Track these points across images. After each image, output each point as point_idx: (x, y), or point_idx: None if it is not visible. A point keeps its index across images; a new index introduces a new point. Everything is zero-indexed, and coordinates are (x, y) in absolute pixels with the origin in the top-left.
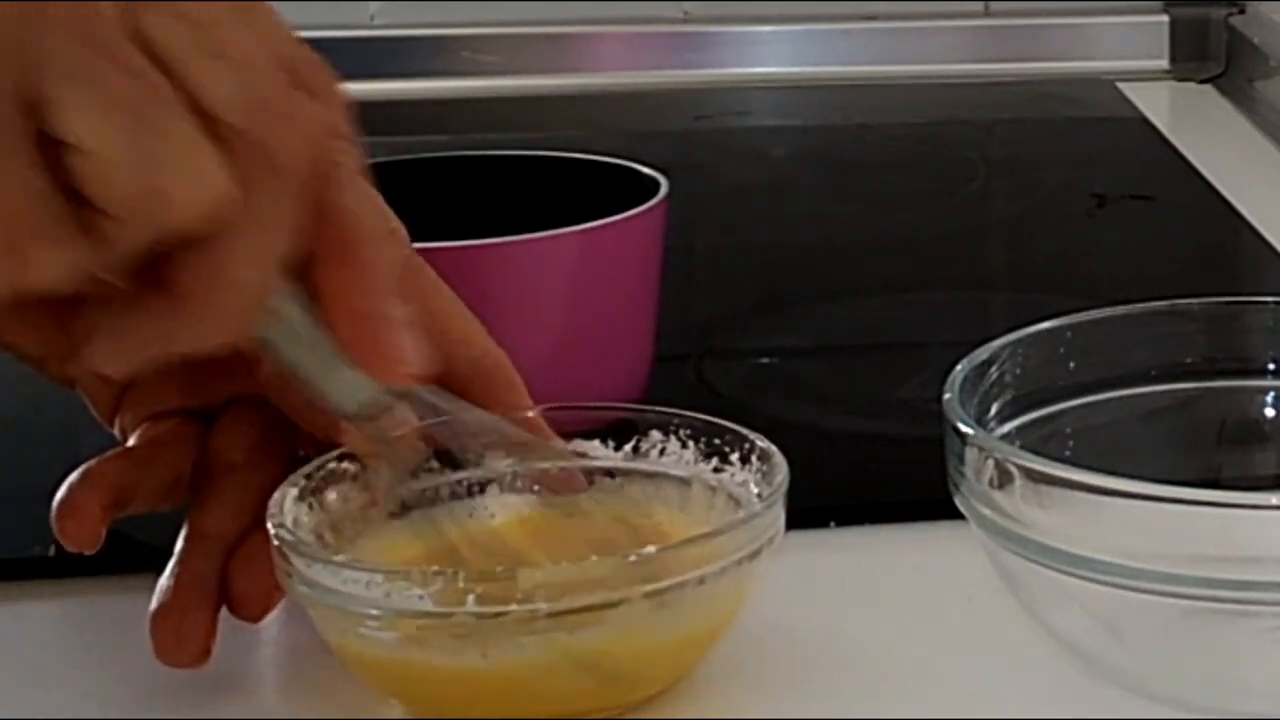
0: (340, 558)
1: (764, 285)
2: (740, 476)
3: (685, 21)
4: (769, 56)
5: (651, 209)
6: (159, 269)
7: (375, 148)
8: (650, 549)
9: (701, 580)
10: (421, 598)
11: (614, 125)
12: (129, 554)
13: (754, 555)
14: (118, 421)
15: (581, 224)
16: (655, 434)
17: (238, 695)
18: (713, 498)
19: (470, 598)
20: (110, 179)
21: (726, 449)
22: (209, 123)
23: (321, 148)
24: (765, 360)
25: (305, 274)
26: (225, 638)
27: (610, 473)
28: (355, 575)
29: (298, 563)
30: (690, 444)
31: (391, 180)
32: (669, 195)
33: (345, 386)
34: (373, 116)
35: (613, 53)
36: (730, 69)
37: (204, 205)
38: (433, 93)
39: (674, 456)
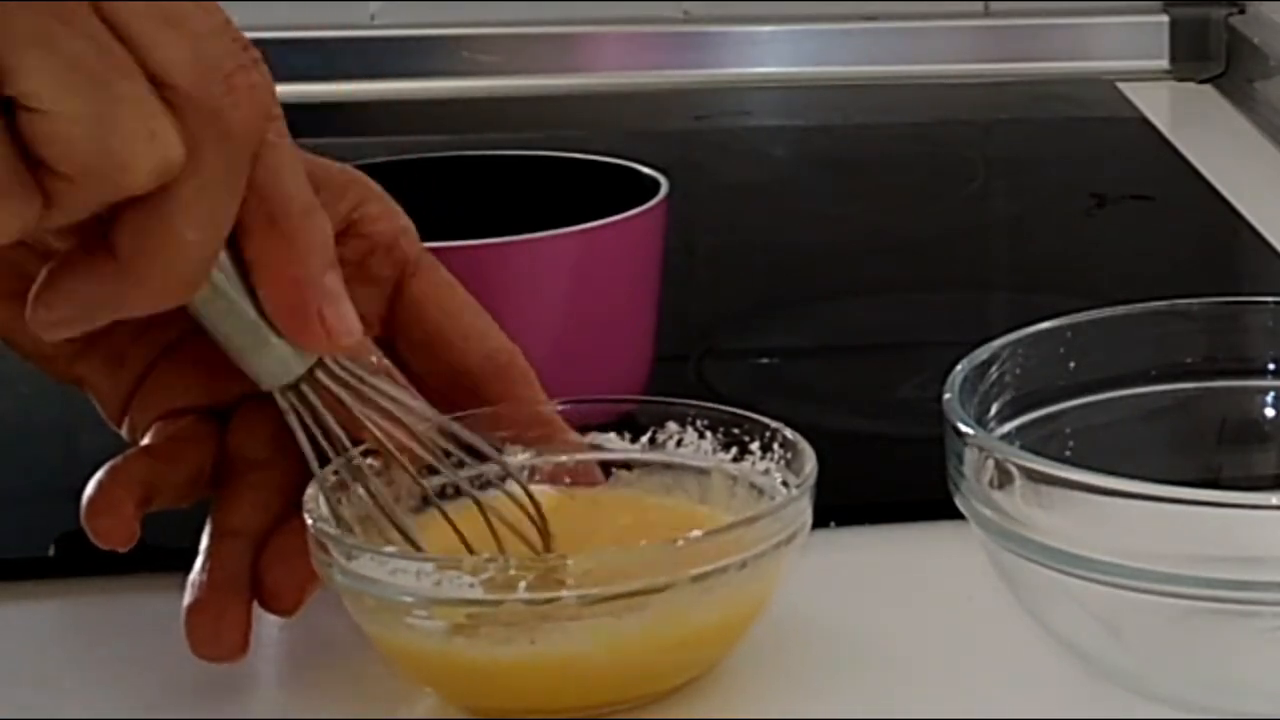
0: (389, 548)
1: (764, 285)
2: (762, 465)
3: (685, 21)
4: (769, 56)
5: (651, 209)
6: (105, 232)
7: (375, 148)
8: (696, 533)
9: (744, 564)
10: (473, 585)
11: (614, 125)
12: (128, 554)
13: (790, 539)
14: (126, 421)
15: (581, 224)
16: (672, 425)
17: (238, 696)
18: (734, 487)
19: (522, 584)
20: (64, 139)
21: (746, 438)
22: (163, 89)
23: (266, 119)
24: (765, 360)
25: (235, 246)
26: None
27: (627, 465)
28: (405, 565)
29: (339, 555)
30: (708, 434)
31: (392, 180)
32: (669, 195)
33: (275, 360)
34: (373, 116)
35: (613, 53)
36: (730, 69)
37: (156, 169)
38: (433, 93)
39: (691, 447)
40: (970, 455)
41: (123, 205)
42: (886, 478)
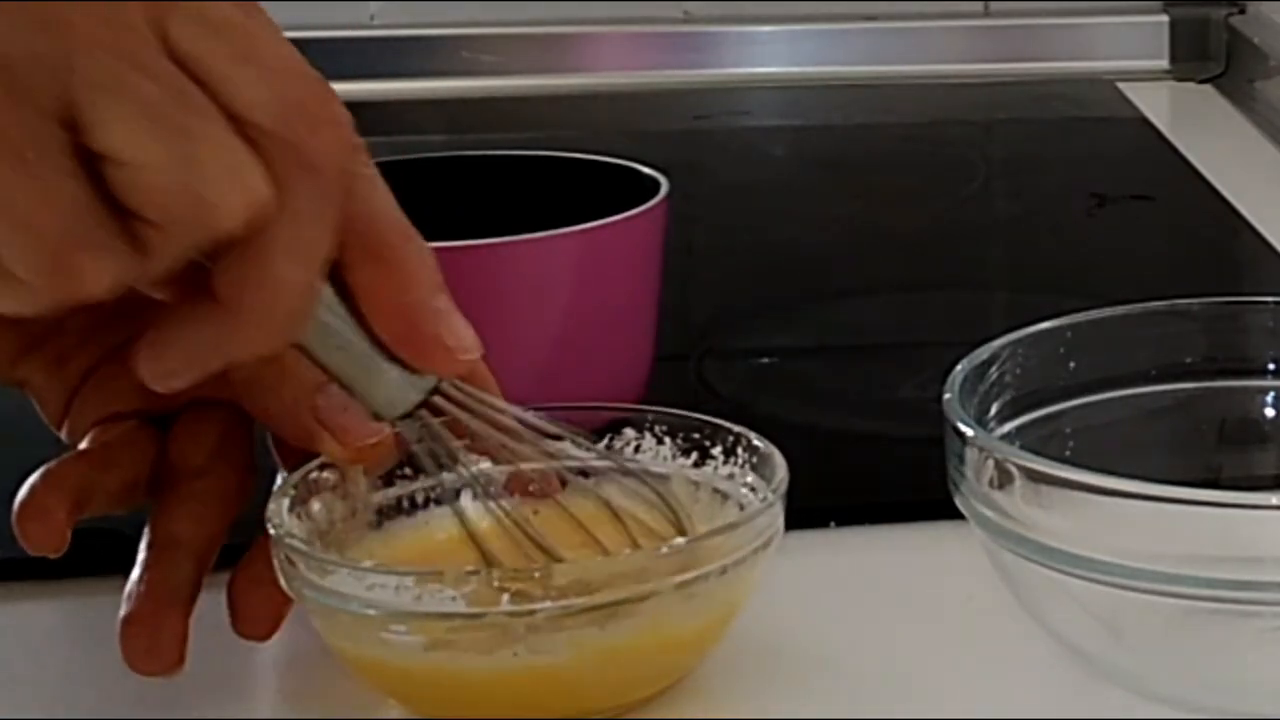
0: (368, 563)
1: (764, 285)
2: (725, 470)
3: (685, 21)
4: (769, 56)
5: (651, 209)
6: (205, 280)
7: (375, 148)
8: (679, 541)
9: (724, 570)
10: (455, 599)
11: (614, 125)
12: (129, 554)
13: (767, 544)
14: (66, 425)
15: (581, 224)
16: (629, 431)
17: (236, 696)
18: (696, 492)
19: (505, 597)
20: (151, 188)
21: (707, 443)
22: (244, 127)
23: (351, 150)
24: (765, 360)
25: (335, 279)
26: (224, 639)
27: (585, 472)
28: (384, 580)
29: (309, 570)
30: (667, 440)
31: (392, 180)
32: (669, 195)
33: (392, 388)
34: (373, 116)
35: (613, 53)
36: (730, 69)
37: (245, 208)
38: (433, 93)
39: (650, 453)
40: (970, 455)
41: (219, 250)
42: (886, 478)
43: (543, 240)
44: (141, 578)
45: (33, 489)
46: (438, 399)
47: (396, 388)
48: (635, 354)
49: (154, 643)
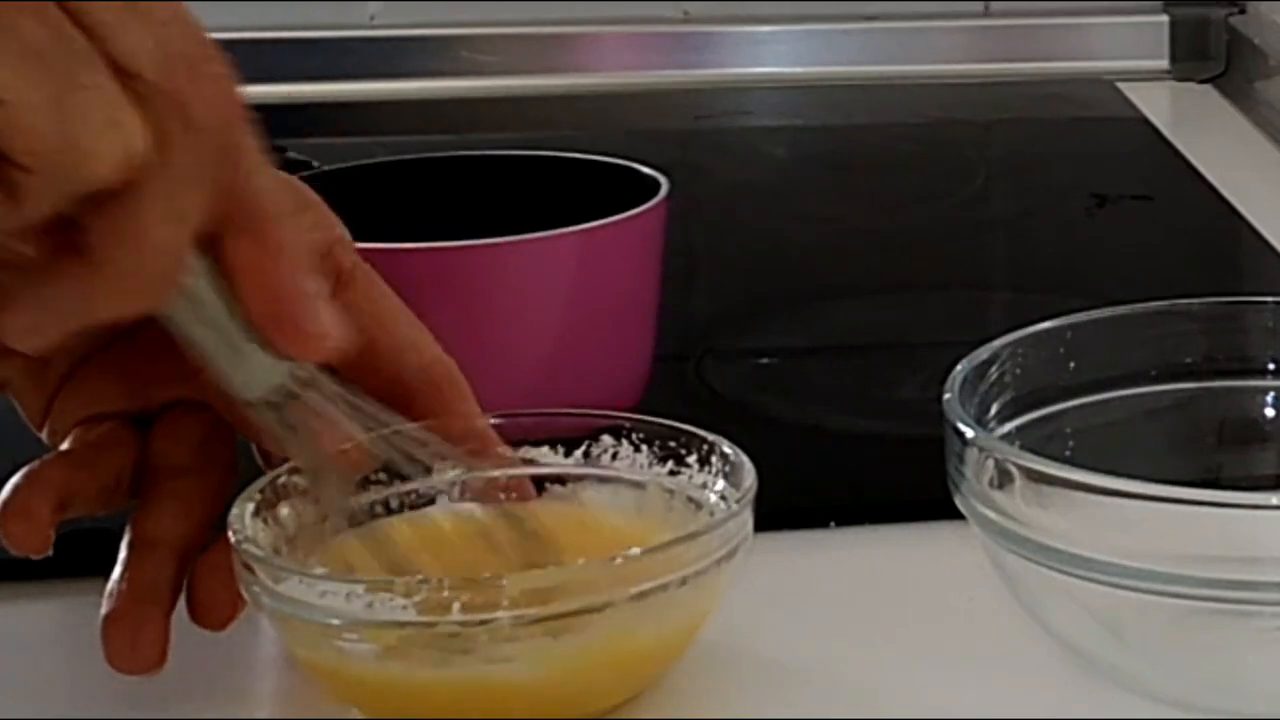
0: (319, 570)
1: (764, 285)
2: (699, 478)
3: (685, 21)
4: (769, 56)
5: (651, 209)
6: (74, 235)
7: (375, 148)
8: (635, 551)
9: (684, 581)
10: (405, 608)
11: (614, 125)
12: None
13: (731, 555)
14: (47, 426)
15: (581, 224)
16: (607, 438)
17: (228, 697)
18: (670, 500)
19: (456, 606)
20: (26, 130)
21: (683, 451)
22: (126, 78)
23: (234, 112)
24: (765, 360)
25: (213, 253)
26: (215, 640)
27: (561, 479)
28: (335, 587)
29: (266, 576)
30: (644, 447)
31: (392, 180)
32: (669, 195)
33: (253, 370)
34: (373, 116)
35: (613, 53)
36: (730, 69)
37: (120, 159)
38: (433, 93)
39: (627, 460)
40: (970, 455)
41: (89, 205)
42: (886, 478)
43: (543, 240)
44: (122, 577)
45: (15, 489)
46: (301, 389)
47: (257, 370)
48: (635, 354)
49: (134, 641)
